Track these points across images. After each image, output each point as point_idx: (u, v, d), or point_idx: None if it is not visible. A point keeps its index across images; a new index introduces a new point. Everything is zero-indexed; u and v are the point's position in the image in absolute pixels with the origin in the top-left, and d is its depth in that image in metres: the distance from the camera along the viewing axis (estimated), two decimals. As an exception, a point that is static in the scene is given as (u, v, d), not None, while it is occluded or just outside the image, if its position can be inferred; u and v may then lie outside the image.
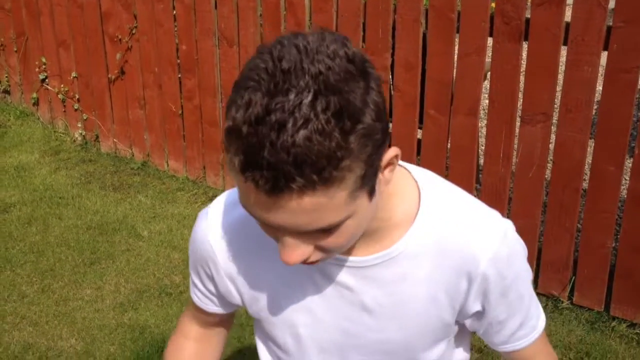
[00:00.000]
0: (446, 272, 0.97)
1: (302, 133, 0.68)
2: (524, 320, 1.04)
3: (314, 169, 0.70)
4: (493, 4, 2.67)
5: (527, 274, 1.02)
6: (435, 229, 0.95)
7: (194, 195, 3.82)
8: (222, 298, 1.12)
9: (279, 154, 0.69)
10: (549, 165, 2.77)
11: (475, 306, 0.99)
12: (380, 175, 0.81)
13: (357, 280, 0.98)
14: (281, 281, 1.02)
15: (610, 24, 2.44)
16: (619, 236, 2.70)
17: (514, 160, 2.80)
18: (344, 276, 0.98)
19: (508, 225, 0.98)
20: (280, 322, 1.06)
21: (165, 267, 3.19)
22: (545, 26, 2.55)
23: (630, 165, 2.64)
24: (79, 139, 4.41)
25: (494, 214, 0.99)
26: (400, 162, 0.94)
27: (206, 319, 1.21)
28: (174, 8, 3.65)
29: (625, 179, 2.96)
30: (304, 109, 0.69)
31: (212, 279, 1.09)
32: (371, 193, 0.80)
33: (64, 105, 4.46)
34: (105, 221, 3.58)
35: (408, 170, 0.99)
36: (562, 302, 2.81)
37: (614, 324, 2.71)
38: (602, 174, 2.60)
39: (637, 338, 2.65)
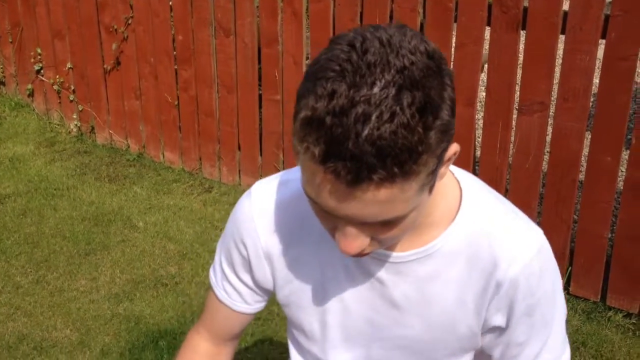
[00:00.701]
0: (477, 275, 0.97)
1: (388, 126, 0.69)
2: (543, 348, 1.01)
3: (396, 162, 0.71)
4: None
5: (558, 300, 1.00)
6: (472, 230, 0.96)
7: (190, 187, 3.80)
8: (252, 288, 1.12)
9: (364, 145, 0.70)
10: (546, 155, 2.76)
11: (497, 318, 0.99)
12: (441, 170, 0.82)
13: (390, 275, 0.99)
14: (317, 266, 1.03)
15: (608, 12, 2.42)
16: (615, 227, 2.69)
17: (510, 150, 2.79)
18: (377, 269, 0.99)
19: (545, 242, 0.97)
20: (310, 307, 1.06)
21: (161, 258, 3.18)
22: (543, 15, 2.54)
23: (627, 155, 2.63)
24: (75, 130, 4.39)
25: (533, 227, 0.98)
26: None
27: (222, 328, 1.19)
28: (169, -2, 3.63)
29: (622, 171, 2.95)
30: (390, 103, 0.70)
31: (247, 261, 1.08)
32: (432, 187, 0.81)
33: (59, 97, 4.44)
34: (101, 212, 3.56)
35: (450, 170, 1.00)
36: (559, 293, 2.80)
37: (610, 314, 2.71)
38: (598, 164, 2.59)
39: (633, 328, 2.65)
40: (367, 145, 0.70)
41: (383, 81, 0.71)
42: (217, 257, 1.15)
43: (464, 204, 0.97)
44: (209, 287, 1.19)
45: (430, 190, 0.82)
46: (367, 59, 0.72)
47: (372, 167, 0.70)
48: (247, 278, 1.11)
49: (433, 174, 0.77)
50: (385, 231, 0.82)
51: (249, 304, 1.14)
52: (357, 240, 0.82)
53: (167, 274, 3.06)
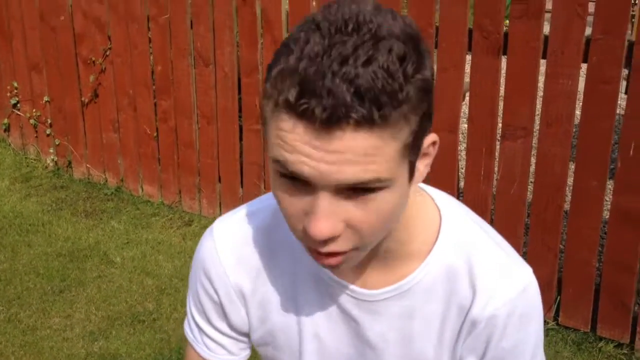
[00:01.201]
0: (455, 311, 0.89)
1: (366, 68, 0.65)
2: None
3: (375, 103, 0.66)
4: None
5: (538, 355, 0.92)
6: (451, 263, 0.88)
7: (169, 220, 3.72)
8: (233, 337, 1.03)
9: (340, 84, 0.65)
10: (531, 182, 2.71)
11: (468, 357, 0.91)
12: (418, 163, 0.77)
13: (363, 314, 0.92)
14: (293, 303, 0.95)
15: (589, 35, 2.40)
16: (602, 254, 2.64)
17: (495, 176, 2.74)
18: (351, 307, 0.92)
19: (532, 281, 0.89)
20: (286, 346, 0.98)
21: (138, 294, 3.08)
22: (524, 39, 2.51)
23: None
24: (51, 165, 4.30)
25: (521, 263, 0.90)
26: (422, 185, 0.91)
27: None
28: (149, 29, 3.59)
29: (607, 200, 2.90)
30: (368, 48, 0.66)
31: (220, 307, 0.99)
32: (411, 174, 0.75)
33: (36, 131, 4.36)
34: (76, 248, 3.46)
35: (431, 196, 0.92)
36: (548, 323, 2.73)
37: (601, 344, 2.64)
38: (584, 189, 2.55)
39: (624, 359, 2.57)
40: (343, 83, 0.65)
41: (360, 33, 0.67)
42: (188, 311, 1.05)
43: (442, 234, 0.89)
44: (187, 343, 1.08)
45: (410, 178, 0.75)
46: (343, 14, 0.69)
47: (349, 105, 0.65)
48: (223, 327, 1.01)
49: (413, 142, 0.72)
50: (360, 210, 0.73)
51: (235, 354, 1.05)
52: (329, 220, 0.72)
53: (144, 310, 2.96)
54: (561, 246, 2.72)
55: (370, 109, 0.66)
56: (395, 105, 0.67)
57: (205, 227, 3.61)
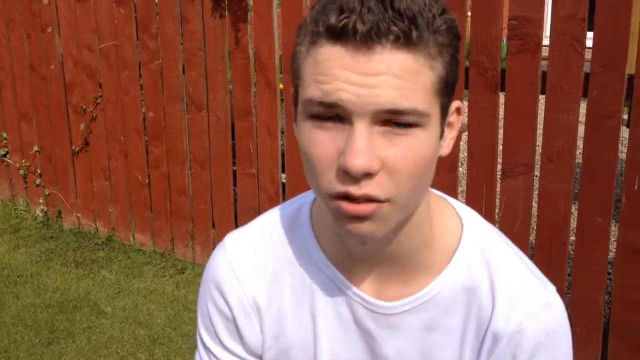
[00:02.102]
0: (474, 325, 0.84)
1: None
2: None
3: (413, 22, 0.68)
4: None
5: None
6: (471, 274, 0.84)
7: (162, 269, 3.62)
8: (246, 357, 0.95)
9: (379, 4, 0.68)
10: (534, 218, 2.66)
11: None
12: (445, 127, 0.78)
13: (380, 329, 0.87)
14: (309, 317, 0.90)
15: (588, 70, 2.39)
16: (611, 290, 2.57)
17: (496, 215, 2.69)
18: (367, 321, 0.87)
19: (556, 297, 0.85)
20: None
21: (130, 344, 2.96)
22: (522, 75, 2.49)
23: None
24: (41, 215, 4.21)
25: (543, 278, 0.86)
26: (444, 195, 0.91)
27: None
28: (140, 75, 3.56)
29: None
30: None
31: (234, 324, 0.92)
32: (442, 128, 0.76)
33: (25, 181, 4.28)
34: (66, 298, 3.35)
35: (452, 206, 0.89)
36: (556, 365, 2.64)
37: (612, 386, 2.54)
38: (589, 225, 2.49)
39: (638, 401, 2.48)
40: (382, 4, 0.68)
41: None
42: (198, 339, 0.98)
43: (464, 243, 0.85)
44: None
45: (441, 135, 0.76)
46: None
47: (388, 20, 0.67)
48: (237, 349, 0.94)
49: (447, 84, 0.73)
50: (395, 147, 0.71)
51: None
52: (366, 153, 0.69)
53: (136, 361, 2.84)
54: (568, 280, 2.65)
55: (409, 26, 0.68)
56: (432, 30, 0.70)
57: (199, 274, 3.51)
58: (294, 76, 0.76)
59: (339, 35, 0.69)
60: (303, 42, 0.73)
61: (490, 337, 0.83)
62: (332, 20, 0.69)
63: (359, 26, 0.67)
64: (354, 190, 0.71)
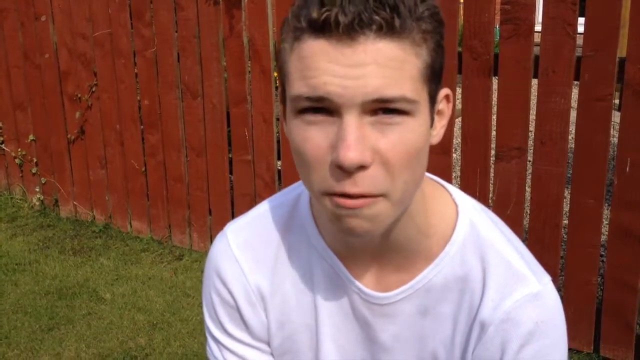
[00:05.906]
0: (465, 312, 0.85)
1: None
2: None
3: (395, 11, 0.68)
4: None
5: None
6: (465, 261, 0.85)
7: (159, 256, 3.64)
8: (257, 347, 0.96)
9: None
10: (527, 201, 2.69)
11: None
12: (435, 115, 0.78)
13: (375, 317, 0.89)
14: (311, 305, 0.92)
15: (580, 53, 2.41)
16: (603, 271, 2.61)
17: (490, 199, 2.72)
18: (363, 310, 0.89)
19: (549, 286, 0.85)
20: (307, 349, 0.94)
21: (130, 330, 2.99)
22: (514, 60, 2.52)
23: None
24: (37, 204, 4.23)
25: (537, 267, 0.87)
26: (440, 180, 0.91)
27: None
28: (135, 63, 3.57)
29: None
30: None
31: (238, 313, 0.94)
32: (431, 115, 0.77)
33: (22, 170, 4.29)
34: (65, 285, 3.37)
35: (449, 191, 0.90)
36: (550, 346, 2.68)
37: (605, 365, 2.59)
38: (582, 207, 2.53)
39: (630, 379, 2.53)
40: None
41: None
42: (207, 331, 0.99)
43: (458, 229, 0.86)
44: None
45: (431, 122, 0.77)
46: None
47: (370, 10, 0.67)
48: (244, 336, 0.95)
49: (433, 72, 0.73)
50: (386, 137, 0.71)
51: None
52: (358, 145, 0.69)
53: (136, 346, 2.87)
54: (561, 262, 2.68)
55: (391, 15, 0.68)
56: (414, 17, 0.70)
57: (197, 261, 3.55)
58: (280, 74, 0.76)
59: (321, 28, 0.68)
60: (287, 39, 0.73)
61: (477, 325, 0.84)
62: (314, 14, 0.68)
63: (341, 18, 0.67)
64: (349, 186, 0.71)
